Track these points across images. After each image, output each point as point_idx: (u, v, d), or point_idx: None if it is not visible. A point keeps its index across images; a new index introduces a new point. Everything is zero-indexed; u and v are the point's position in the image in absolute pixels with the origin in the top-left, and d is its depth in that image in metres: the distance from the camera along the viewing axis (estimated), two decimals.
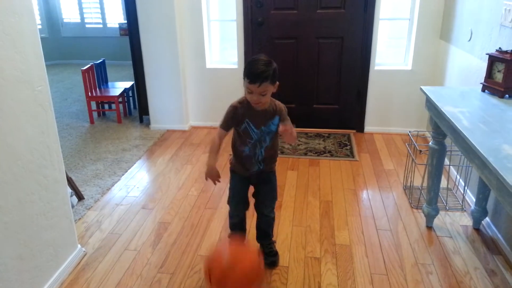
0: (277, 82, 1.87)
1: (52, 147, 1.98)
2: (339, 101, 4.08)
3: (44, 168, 1.92)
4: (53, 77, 6.84)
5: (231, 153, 2.08)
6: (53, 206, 2.00)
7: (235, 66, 4.07)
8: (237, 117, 1.93)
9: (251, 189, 2.16)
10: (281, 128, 1.90)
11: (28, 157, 1.81)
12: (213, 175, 1.95)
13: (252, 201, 2.17)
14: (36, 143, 1.86)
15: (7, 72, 1.66)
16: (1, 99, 1.64)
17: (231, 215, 2.22)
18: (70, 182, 2.72)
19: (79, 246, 2.26)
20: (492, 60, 2.20)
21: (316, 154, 3.59)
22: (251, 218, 2.40)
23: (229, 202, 2.19)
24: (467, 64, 2.97)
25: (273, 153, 2.08)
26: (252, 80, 1.79)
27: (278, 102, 1.99)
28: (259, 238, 2.25)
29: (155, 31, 3.86)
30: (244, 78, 1.84)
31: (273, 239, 2.27)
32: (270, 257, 2.19)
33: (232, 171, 2.13)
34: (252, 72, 1.79)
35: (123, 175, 3.22)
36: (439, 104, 2.08)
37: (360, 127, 4.10)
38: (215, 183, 1.98)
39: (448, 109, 1.99)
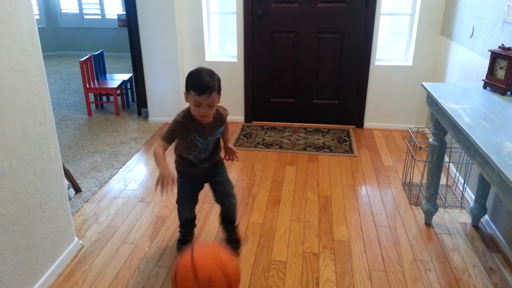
0: (221, 93, 1.87)
1: (49, 138, 1.96)
2: (338, 96, 4.07)
3: (41, 159, 1.90)
4: (50, 68, 6.79)
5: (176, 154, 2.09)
6: (50, 198, 1.98)
7: (235, 60, 4.04)
8: (182, 132, 1.91)
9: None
10: (226, 156, 2.07)
11: (25, 148, 1.78)
12: (169, 180, 1.77)
13: (203, 198, 2.17)
14: (33, 134, 1.83)
15: (3, 61, 1.63)
16: None
17: (181, 213, 2.19)
18: (68, 174, 2.70)
19: (76, 238, 2.25)
20: (494, 56, 2.19)
21: (315, 150, 3.57)
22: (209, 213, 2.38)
23: (178, 201, 2.16)
24: (468, 60, 2.95)
25: (216, 151, 2.10)
26: (201, 92, 1.76)
27: (220, 108, 1.98)
28: (224, 223, 2.21)
29: (154, 23, 3.82)
30: (188, 92, 1.81)
31: (236, 223, 2.24)
32: (233, 244, 2.20)
33: (179, 170, 2.10)
34: (200, 83, 1.77)
35: (121, 168, 3.20)
36: (440, 100, 2.06)
37: (359, 123, 4.09)
38: (168, 190, 1.78)
39: (449, 106, 1.98)
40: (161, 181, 1.76)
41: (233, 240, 2.21)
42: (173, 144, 1.99)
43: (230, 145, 2.18)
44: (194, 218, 2.27)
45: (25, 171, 1.79)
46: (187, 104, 1.89)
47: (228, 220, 2.20)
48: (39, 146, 1.88)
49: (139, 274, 2.07)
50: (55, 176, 2.02)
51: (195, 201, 2.20)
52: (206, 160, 2.05)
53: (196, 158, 2.01)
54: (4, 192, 1.67)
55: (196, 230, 2.36)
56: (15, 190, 1.74)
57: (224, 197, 2.13)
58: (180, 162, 2.07)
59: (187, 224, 2.26)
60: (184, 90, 1.86)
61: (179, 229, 2.29)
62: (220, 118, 1.98)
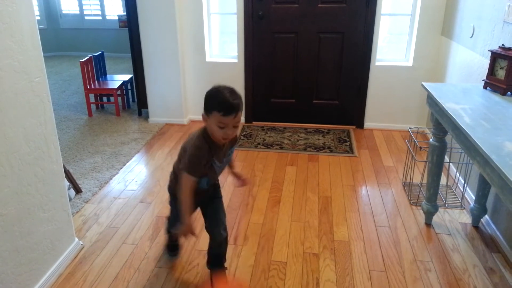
0: None
1: (49, 139, 1.96)
2: (339, 96, 4.07)
3: (41, 160, 1.90)
4: (51, 69, 6.80)
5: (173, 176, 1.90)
6: (50, 199, 1.98)
7: (235, 60, 4.04)
8: (206, 159, 1.68)
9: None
10: (239, 183, 1.92)
11: (25, 149, 1.79)
12: (190, 232, 1.70)
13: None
14: (33, 134, 1.83)
15: (4, 61, 1.63)
16: (0, 89, 1.61)
17: (173, 237, 2.10)
18: (68, 175, 2.70)
19: (76, 239, 2.25)
20: (495, 57, 2.19)
21: (315, 150, 3.57)
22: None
23: (170, 221, 2.03)
24: (468, 60, 2.95)
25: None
26: (227, 112, 1.57)
27: None
28: (213, 263, 2.01)
29: (154, 24, 3.83)
30: (210, 113, 1.60)
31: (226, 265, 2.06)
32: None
33: (175, 195, 1.85)
34: (226, 103, 1.57)
35: (121, 168, 3.20)
36: (440, 100, 2.06)
37: (360, 123, 4.09)
38: (187, 239, 1.77)
39: (449, 106, 1.98)
40: (183, 233, 1.72)
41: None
42: (174, 156, 1.85)
43: (237, 171, 1.99)
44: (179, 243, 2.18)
45: (26, 171, 1.80)
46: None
47: (216, 258, 2.00)
48: (39, 147, 1.88)
49: (139, 274, 2.07)
50: (55, 177, 2.02)
51: None
52: (211, 184, 1.88)
53: (208, 183, 1.82)
54: (4, 192, 1.67)
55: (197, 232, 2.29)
56: (16, 191, 1.74)
57: (214, 225, 1.90)
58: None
59: (173, 250, 2.18)
60: (203, 112, 1.65)
61: (165, 235, 2.21)
62: (235, 138, 1.82)
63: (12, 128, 1.70)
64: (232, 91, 1.63)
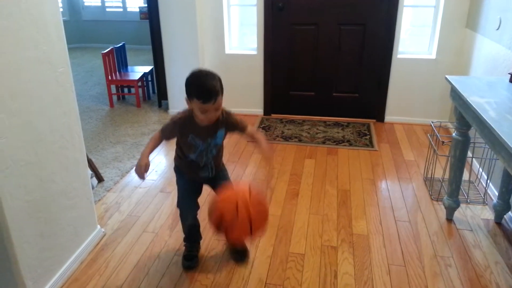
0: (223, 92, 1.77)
1: (73, 128, 2.00)
2: (359, 89, 4.02)
3: (65, 149, 1.95)
4: (73, 60, 6.91)
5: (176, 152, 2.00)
6: (74, 187, 2.03)
7: (254, 52, 4.03)
8: (178, 132, 1.85)
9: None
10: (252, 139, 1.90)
11: (50, 138, 1.83)
12: (141, 165, 1.80)
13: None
14: (58, 124, 1.88)
15: (30, 52, 1.67)
16: (25, 79, 1.65)
17: (185, 217, 2.04)
18: (90, 164, 2.76)
19: (98, 226, 2.30)
20: None
21: (335, 143, 3.55)
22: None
23: (179, 204, 2.03)
24: (494, 53, 2.87)
25: (220, 159, 2.03)
26: (206, 99, 1.67)
27: (224, 111, 1.86)
28: (235, 254, 2.12)
29: (175, 15, 3.84)
30: (191, 100, 1.72)
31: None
32: (239, 254, 2.11)
33: (179, 171, 2.02)
34: (204, 91, 1.67)
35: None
36: (465, 94, 2.02)
37: (380, 117, 4.04)
38: (141, 177, 1.83)
39: (474, 99, 1.94)
40: (136, 169, 1.84)
41: (239, 251, 2.11)
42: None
43: (266, 151, 1.93)
44: (198, 226, 2.09)
45: (50, 160, 1.84)
46: None
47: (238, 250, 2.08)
48: (64, 136, 1.92)
49: (160, 262, 2.11)
50: (79, 166, 2.06)
51: (196, 203, 2.03)
52: (211, 168, 1.96)
53: (198, 158, 1.91)
54: (30, 180, 1.72)
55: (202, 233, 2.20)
56: (41, 178, 1.79)
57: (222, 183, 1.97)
58: (181, 161, 1.99)
59: (192, 234, 2.10)
60: (185, 96, 1.76)
61: (183, 243, 2.14)
62: (220, 119, 1.85)
63: (38, 118, 1.74)
64: (210, 76, 1.71)
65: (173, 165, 2.10)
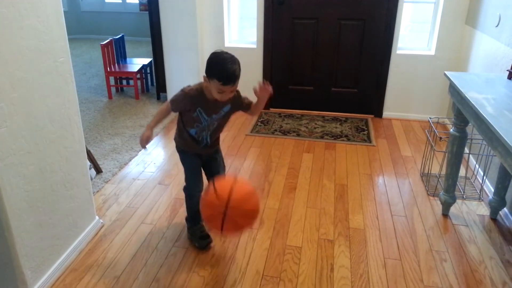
0: None
1: (73, 119, 2.00)
2: (358, 85, 4.03)
3: (65, 139, 1.95)
4: (72, 51, 6.81)
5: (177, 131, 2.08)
6: (72, 177, 2.03)
7: (254, 46, 4.03)
8: (187, 104, 1.91)
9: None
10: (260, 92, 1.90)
11: (50, 128, 1.83)
12: (142, 137, 1.96)
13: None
14: (57, 114, 1.88)
15: (30, 41, 1.67)
16: (25, 69, 1.65)
17: (191, 194, 2.11)
18: (89, 155, 2.76)
19: (97, 217, 2.31)
20: None
21: (333, 138, 3.56)
22: None
23: (187, 179, 2.11)
24: (493, 50, 2.88)
25: (218, 135, 2.10)
26: (226, 82, 1.75)
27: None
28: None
29: (174, 8, 3.83)
30: (211, 79, 1.78)
31: None
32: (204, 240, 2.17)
33: (182, 151, 2.10)
34: (225, 74, 1.74)
35: (140, 150, 3.25)
36: (463, 90, 2.03)
37: (378, 112, 4.05)
38: (143, 146, 1.99)
39: (472, 95, 1.95)
40: (140, 139, 1.98)
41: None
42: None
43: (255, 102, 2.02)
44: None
45: (50, 149, 1.85)
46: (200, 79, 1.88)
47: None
48: (63, 126, 1.93)
49: (157, 253, 2.12)
50: (78, 156, 2.07)
51: (201, 176, 2.12)
52: (208, 140, 2.03)
53: (198, 134, 1.99)
54: (29, 169, 1.72)
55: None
56: (40, 168, 1.79)
57: (216, 168, 2.13)
58: (180, 141, 2.07)
59: (195, 209, 2.10)
60: (204, 74, 1.82)
61: (191, 228, 2.20)
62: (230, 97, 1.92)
63: (37, 107, 1.74)
64: (232, 59, 1.78)
65: (172, 157, 2.13)
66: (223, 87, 1.77)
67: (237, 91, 1.96)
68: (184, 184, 2.15)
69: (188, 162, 2.11)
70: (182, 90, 1.91)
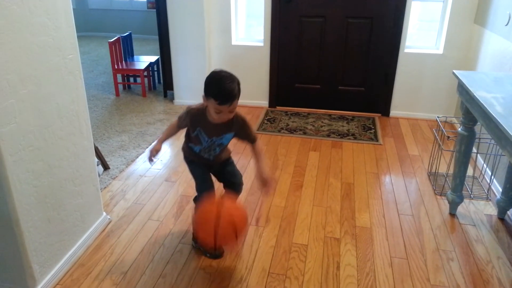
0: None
1: (81, 115, 2.02)
2: (365, 83, 4.01)
3: (73, 135, 1.96)
4: (79, 48, 6.87)
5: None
6: (80, 173, 2.05)
7: (261, 44, 4.03)
8: (189, 122, 1.91)
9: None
10: (260, 185, 1.91)
11: (58, 124, 1.85)
12: (151, 154, 1.99)
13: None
14: (66, 110, 1.89)
15: (40, 38, 1.68)
16: (35, 65, 1.67)
17: (211, 251, 2.07)
18: (97, 152, 2.78)
19: (104, 213, 2.32)
20: None
21: (339, 136, 3.55)
22: None
23: (197, 188, 2.05)
24: (502, 49, 2.86)
25: (223, 155, 2.06)
26: (223, 101, 1.70)
27: (238, 115, 1.87)
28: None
29: (182, 6, 3.84)
30: (208, 99, 1.74)
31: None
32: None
33: (190, 161, 2.08)
34: (222, 93, 1.70)
35: (147, 147, 3.27)
36: (471, 89, 2.02)
37: (385, 111, 4.04)
38: (150, 159, 2.01)
39: (481, 94, 1.94)
40: (149, 152, 2.02)
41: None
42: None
43: (261, 166, 1.91)
44: None
45: (58, 146, 1.86)
46: None
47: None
48: (72, 123, 1.94)
49: (164, 250, 2.13)
50: (86, 153, 2.08)
51: (211, 182, 2.05)
52: (212, 158, 2.00)
53: (202, 152, 1.98)
54: (38, 165, 1.74)
55: None
56: (49, 164, 1.81)
57: (232, 178, 2.08)
58: (187, 151, 2.05)
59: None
60: (203, 94, 1.78)
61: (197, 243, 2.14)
62: (231, 121, 1.86)
63: (46, 104, 1.76)
64: (230, 78, 1.74)
65: (178, 154, 2.14)
66: (220, 107, 1.72)
67: (244, 120, 1.91)
68: (195, 194, 2.09)
69: (198, 172, 2.06)
70: (186, 108, 1.92)
